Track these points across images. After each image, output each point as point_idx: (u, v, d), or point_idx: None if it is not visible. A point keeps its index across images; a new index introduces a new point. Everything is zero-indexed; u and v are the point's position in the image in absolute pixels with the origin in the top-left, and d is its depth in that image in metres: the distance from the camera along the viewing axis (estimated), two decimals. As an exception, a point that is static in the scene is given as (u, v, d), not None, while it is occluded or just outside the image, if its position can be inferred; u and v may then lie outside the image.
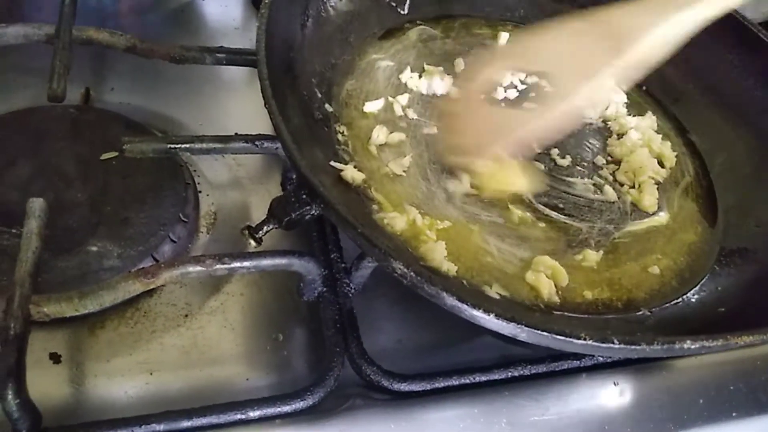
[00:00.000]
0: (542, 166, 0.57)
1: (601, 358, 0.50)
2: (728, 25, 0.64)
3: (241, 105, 0.66)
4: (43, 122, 0.54)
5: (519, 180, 0.53)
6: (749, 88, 0.62)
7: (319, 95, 0.56)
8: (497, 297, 0.45)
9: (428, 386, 0.46)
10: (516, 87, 0.58)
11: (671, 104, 0.67)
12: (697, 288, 0.50)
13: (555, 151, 0.59)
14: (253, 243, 0.42)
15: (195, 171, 0.58)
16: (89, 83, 0.62)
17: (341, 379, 0.45)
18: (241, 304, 0.51)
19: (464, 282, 0.46)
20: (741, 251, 0.53)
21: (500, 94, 0.57)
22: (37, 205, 0.43)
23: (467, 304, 0.34)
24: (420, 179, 0.53)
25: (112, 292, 0.40)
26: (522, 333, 0.35)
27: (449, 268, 0.47)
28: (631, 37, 0.49)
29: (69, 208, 0.49)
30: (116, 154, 0.53)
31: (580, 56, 0.51)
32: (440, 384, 0.47)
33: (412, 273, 0.35)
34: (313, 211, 0.40)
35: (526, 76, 0.58)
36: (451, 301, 0.35)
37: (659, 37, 0.49)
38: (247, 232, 0.41)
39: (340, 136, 0.54)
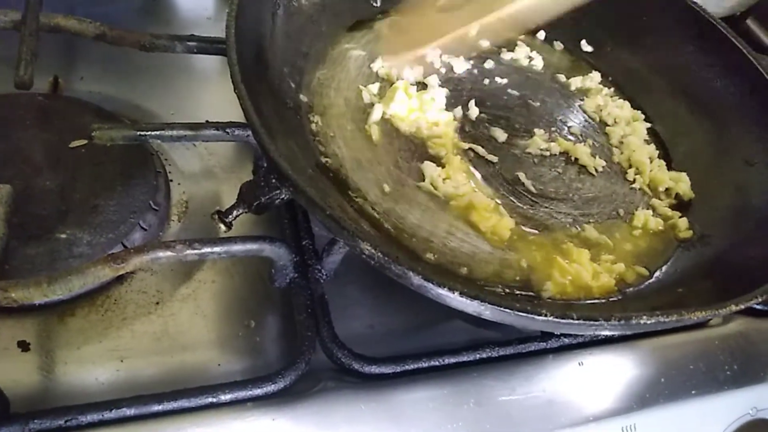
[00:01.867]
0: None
1: (567, 340, 0.52)
2: (689, 18, 0.66)
3: (213, 95, 0.65)
4: (10, 109, 0.53)
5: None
6: (709, 80, 0.64)
7: (292, 85, 0.56)
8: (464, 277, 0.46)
9: (398, 369, 0.47)
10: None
11: (637, 95, 0.69)
12: (657, 270, 0.52)
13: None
14: (223, 227, 0.42)
15: (166, 160, 0.58)
16: (58, 72, 0.61)
17: (313, 363, 0.46)
18: (212, 291, 0.51)
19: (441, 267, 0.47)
20: (699, 235, 0.55)
21: None
22: (3, 191, 0.43)
23: (433, 283, 0.35)
24: (391, 167, 0.54)
25: (81, 277, 0.40)
26: (486, 310, 0.36)
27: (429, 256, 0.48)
28: None
29: (37, 195, 0.49)
30: (85, 142, 0.52)
31: None
32: (410, 366, 0.48)
33: (379, 253, 0.36)
34: (283, 195, 0.41)
35: None
36: (417, 280, 0.36)
37: None
38: (217, 216, 0.42)
39: (314, 126, 0.55)
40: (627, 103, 0.67)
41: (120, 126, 0.50)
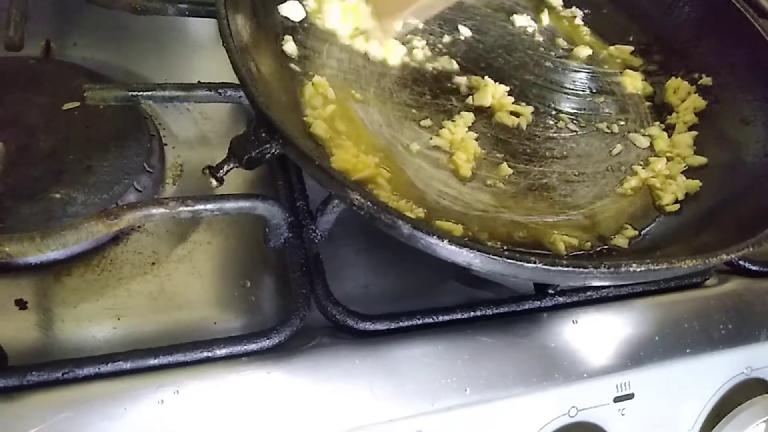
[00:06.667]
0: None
1: (561, 299, 0.52)
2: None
3: (206, 60, 0.65)
4: (2, 72, 0.53)
5: None
6: (706, 38, 0.64)
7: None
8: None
9: (392, 325, 0.47)
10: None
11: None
12: (649, 228, 0.52)
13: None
14: (214, 182, 0.42)
15: (160, 124, 0.58)
16: (51, 37, 0.61)
17: (308, 321, 0.46)
18: (208, 252, 0.51)
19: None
20: (689, 193, 0.55)
21: None
22: (-4, 150, 0.43)
23: (422, 232, 0.35)
24: (384, 126, 0.54)
25: (74, 233, 0.40)
26: (475, 259, 0.36)
27: (417, 213, 0.48)
28: None
29: (31, 156, 0.49)
30: (78, 104, 0.52)
31: None
32: (404, 323, 0.48)
33: (369, 203, 0.36)
34: (273, 149, 0.41)
35: None
36: (407, 229, 0.36)
37: None
38: (208, 171, 0.42)
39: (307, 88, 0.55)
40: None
41: (112, 86, 0.50)
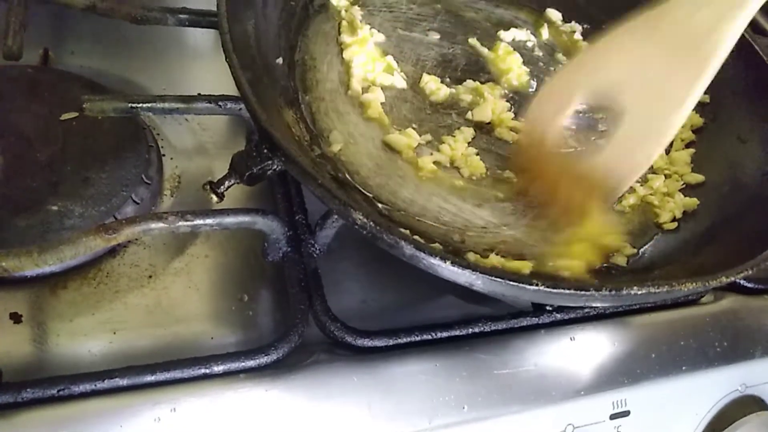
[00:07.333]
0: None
1: (559, 315, 0.52)
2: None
3: (206, 70, 0.65)
4: (-1, 81, 0.53)
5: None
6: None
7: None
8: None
9: (390, 342, 0.47)
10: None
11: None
12: (648, 246, 0.52)
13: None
14: (215, 198, 0.42)
15: (158, 135, 0.57)
16: (48, 45, 0.61)
17: (306, 337, 0.46)
18: (205, 266, 0.51)
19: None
20: (687, 211, 0.56)
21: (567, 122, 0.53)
22: (-7, 161, 0.43)
23: (425, 252, 0.35)
24: (383, 141, 0.54)
25: (72, 247, 0.40)
26: (477, 280, 0.36)
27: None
28: (708, 38, 0.43)
29: (28, 167, 0.49)
30: (76, 114, 0.52)
31: (657, 75, 0.45)
32: (402, 340, 0.48)
33: (371, 223, 0.36)
34: (275, 166, 0.40)
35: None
36: (409, 250, 0.36)
37: (735, 31, 0.42)
38: (208, 187, 0.41)
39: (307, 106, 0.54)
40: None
41: (111, 98, 0.49)
